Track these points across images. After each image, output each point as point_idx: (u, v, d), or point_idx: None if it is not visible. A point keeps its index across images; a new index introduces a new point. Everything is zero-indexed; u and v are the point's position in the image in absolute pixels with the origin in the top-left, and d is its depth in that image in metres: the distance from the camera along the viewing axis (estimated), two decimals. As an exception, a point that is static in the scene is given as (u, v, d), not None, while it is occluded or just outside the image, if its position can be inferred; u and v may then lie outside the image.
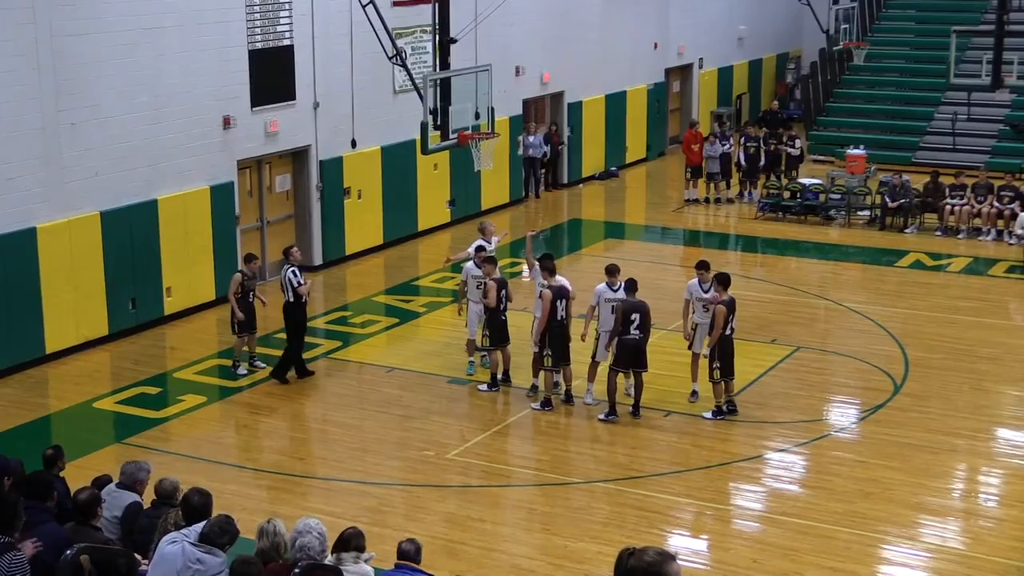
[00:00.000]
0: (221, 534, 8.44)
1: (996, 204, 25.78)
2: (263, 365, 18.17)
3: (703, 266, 17.08)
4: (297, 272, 17.62)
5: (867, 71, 36.62)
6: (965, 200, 26.14)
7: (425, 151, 19.82)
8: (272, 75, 22.02)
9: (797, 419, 16.29)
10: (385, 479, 14.66)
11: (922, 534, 13.33)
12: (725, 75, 37.86)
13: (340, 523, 10.17)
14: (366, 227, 24.43)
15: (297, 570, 8.48)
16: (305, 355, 18.93)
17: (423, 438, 15.68)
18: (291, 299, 17.54)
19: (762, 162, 29.42)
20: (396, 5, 23.95)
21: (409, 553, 9.34)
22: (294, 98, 22.56)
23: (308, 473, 14.93)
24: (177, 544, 8.49)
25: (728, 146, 29.32)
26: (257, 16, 21.66)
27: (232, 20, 21.17)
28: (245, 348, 18.16)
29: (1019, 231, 24.18)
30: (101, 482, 10.41)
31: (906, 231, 26.38)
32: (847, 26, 34.16)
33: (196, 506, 8.92)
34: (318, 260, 23.53)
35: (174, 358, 18.94)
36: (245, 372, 17.91)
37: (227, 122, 21.22)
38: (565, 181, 31.02)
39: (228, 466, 14.99)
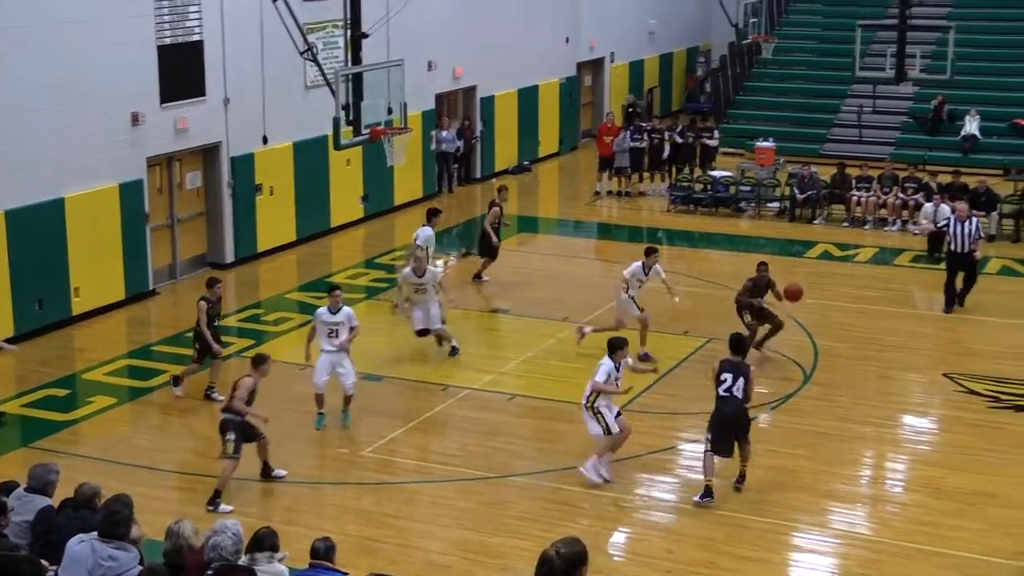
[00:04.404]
0: (115, 525, 8.33)
1: (901, 195, 26.25)
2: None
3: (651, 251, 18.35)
4: None
5: (775, 64, 37.09)
6: (871, 191, 26.60)
7: (337, 147, 19.75)
8: (181, 71, 21.77)
9: (710, 410, 16.41)
10: (299, 477, 14.58)
11: (831, 521, 13.58)
12: (636, 69, 38.11)
13: (253, 523, 10.12)
14: (278, 224, 24.27)
15: (210, 571, 8.45)
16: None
17: (337, 435, 15.63)
18: None
19: (666, 154, 29.71)
20: (307, 0, 23.79)
21: (322, 551, 9.31)
22: (204, 94, 22.35)
23: (218, 472, 14.78)
24: (85, 543, 8.40)
25: (640, 140, 29.53)
26: (166, 11, 21.42)
27: (140, 15, 20.91)
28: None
29: (923, 221, 24.63)
30: (8, 488, 10.25)
31: (814, 222, 26.78)
32: (755, 20, 34.55)
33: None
34: (230, 257, 23.34)
35: (83, 359, 18.67)
36: (181, 394, 16.91)
37: (136, 119, 20.95)
38: (478, 175, 31.06)
39: (139, 468, 14.79)
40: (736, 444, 13.99)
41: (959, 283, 20.53)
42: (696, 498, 13.85)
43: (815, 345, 18.90)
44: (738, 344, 14.33)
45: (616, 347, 14.51)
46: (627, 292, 18.28)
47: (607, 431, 14.28)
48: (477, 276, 22.33)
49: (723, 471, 14.04)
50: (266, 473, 14.34)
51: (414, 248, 19.64)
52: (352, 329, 15.72)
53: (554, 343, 19.22)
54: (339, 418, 15.91)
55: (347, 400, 15.82)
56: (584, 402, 14.41)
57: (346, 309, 15.74)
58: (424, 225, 20.37)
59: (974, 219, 20.76)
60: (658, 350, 17.84)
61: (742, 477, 14.07)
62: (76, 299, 20.00)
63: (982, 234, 20.90)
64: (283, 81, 23.74)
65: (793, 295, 18.37)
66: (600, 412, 14.28)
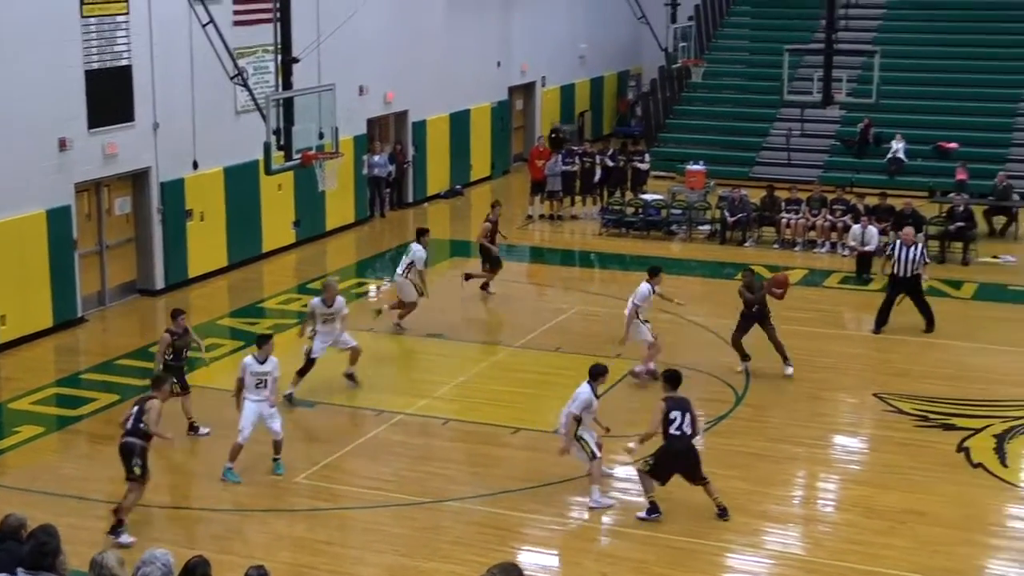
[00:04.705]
0: (42, 556, 8.20)
1: (829, 217, 26.58)
2: (206, 431, 16.65)
3: (656, 272, 18.77)
4: None
5: (705, 88, 37.42)
6: (800, 214, 26.90)
7: (268, 172, 19.71)
8: (110, 95, 21.57)
9: (641, 432, 16.48)
10: (231, 505, 14.45)
11: (765, 541, 13.67)
12: (568, 93, 38.34)
13: (184, 552, 9.99)
14: (209, 249, 24.07)
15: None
16: (146, 381, 18.51)
17: (270, 462, 15.47)
18: None
19: (597, 177, 29.92)
20: (237, 25, 23.71)
21: (255, 580, 9.20)
22: (133, 119, 22.15)
23: (151, 502, 14.58)
24: (13, 580, 8.28)
25: (571, 164, 29.70)
26: (93, 35, 21.21)
27: (67, 39, 20.70)
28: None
29: (851, 243, 24.95)
30: (-68, 521, 10.04)
31: (745, 244, 27.03)
32: (685, 44, 34.90)
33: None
34: (160, 284, 23.10)
35: (9, 388, 18.37)
36: (207, 431, 16.58)
37: (63, 144, 20.72)
38: (410, 200, 31.04)
39: (67, 498, 14.57)
40: (699, 486, 13.97)
41: (919, 313, 20.90)
42: (642, 515, 13.95)
43: (747, 366, 19.04)
44: (676, 379, 14.35)
45: (598, 373, 14.56)
46: (639, 317, 18.44)
47: (592, 456, 14.33)
48: (484, 287, 23.05)
49: (693, 507, 14.10)
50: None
51: (409, 270, 20.42)
52: (275, 380, 15.40)
53: (487, 367, 19.23)
54: (271, 469, 15.33)
55: (277, 447, 15.34)
56: (562, 431, 14.47)
57: (272, 359, 15.40)
58: (415, 243, 20.85)
59: (919, 244, 21.05)
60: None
61: (722, 509, 13.99)
62: (2, 327, 19.70)
63: (927, 259, 21.17)
64: (213, 106, 23.61)
65: (779, 283, 19.15)
66: (582, 438, 14.35)
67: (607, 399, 17.36)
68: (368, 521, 14.12)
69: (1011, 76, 34.49)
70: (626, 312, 18.52)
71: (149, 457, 13.70)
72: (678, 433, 13.80)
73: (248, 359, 15.35)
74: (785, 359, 18.70)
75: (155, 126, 22.56)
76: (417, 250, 20.65)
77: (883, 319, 20.81)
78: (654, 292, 18.60)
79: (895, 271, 20.69)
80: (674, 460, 13.86)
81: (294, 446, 15.99)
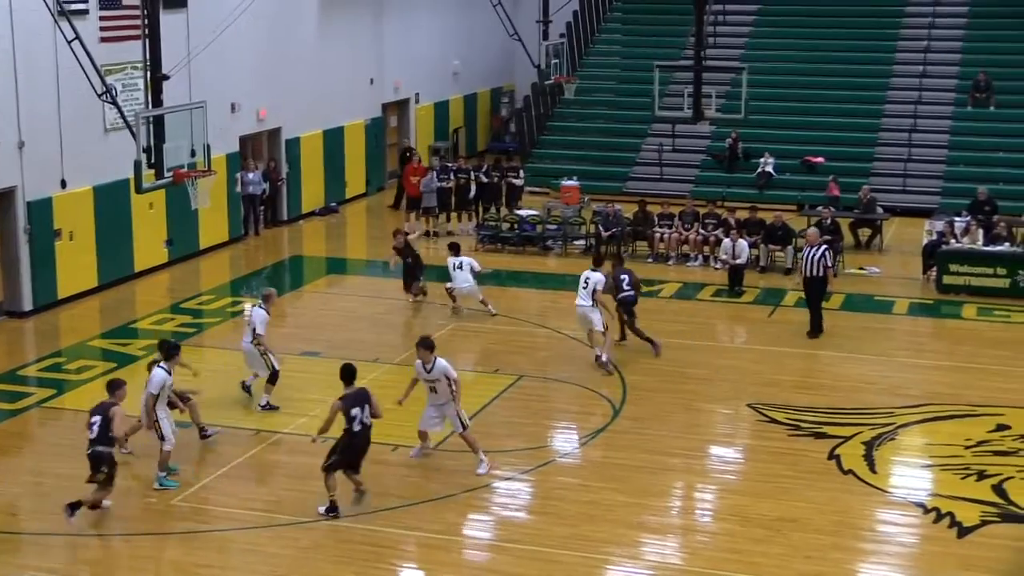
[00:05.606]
0: None
1: (702, 231, 27.01)
2: (215, 431, 16.77)
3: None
4: None
5: (578, 104, 37.74)
6: (673, 228, 27.29)
7: (139, 190, 19.44)
8: (-28, 113, 21.07)
9: (522, 447, 16.62)
10: (106, 530, 14.17)
11: (644, 552, 13.82)
12: (441, 109, 38.40)
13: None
14: (79, 269, 23.59)
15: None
16: (15, 405, 18.14)
17: (145, 485, 15.21)
18: None
19: (472, 193, 30.05)
20: (104, 41, 23.32)
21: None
22: (-4, 137, 21.66)
23: (22, 529, 14.26)
24: None
25: (446, 180, 29.76)
26: (-47, 51, 20.71)
27: (-74, 56, 20.19)
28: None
29: (723, 256, 25.39)
30: None
31: (620, 259, 27.30)
32: (557, 61, 35.16)
33: None
34: (28, 305, 22.56)
35: None
36: (217, 431, 16.68)
37: (-77, 163, 20.19)
38: (285, 218, 30.79)
39: (-67, 527, 14.18)
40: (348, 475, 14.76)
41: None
42: (321, 509, 14.38)
43: (623, 380, 19.26)
44: (351, 374, 14.91)
45: (423, 345, 15.66)
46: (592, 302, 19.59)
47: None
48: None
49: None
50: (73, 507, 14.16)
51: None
52: None
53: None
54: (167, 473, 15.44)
55: (168, 453, 15.50)
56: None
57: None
58: (458, 256, 22.60)
59: (823, 246, 21.60)
60: (470, 388, 17.85)
61: (361, 490, 14.93)
62: None
63: (830, 263, 21.63)
64: (81, 123, 23.17)
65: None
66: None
67: (487, 415, 17.46)
68: (247, 542, 13.96)
69: (873, 92, 35.49)
70: (579, 301, 19.69)
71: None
72: (360, 428, 14.45)
73: (164, 376, 15.34)
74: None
75: (20, 144, 22.06)
76: (467, 260, 22.55)
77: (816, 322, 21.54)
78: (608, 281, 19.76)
79: (803, 273, 21.32)
80: (356, 453, 14.56)
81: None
